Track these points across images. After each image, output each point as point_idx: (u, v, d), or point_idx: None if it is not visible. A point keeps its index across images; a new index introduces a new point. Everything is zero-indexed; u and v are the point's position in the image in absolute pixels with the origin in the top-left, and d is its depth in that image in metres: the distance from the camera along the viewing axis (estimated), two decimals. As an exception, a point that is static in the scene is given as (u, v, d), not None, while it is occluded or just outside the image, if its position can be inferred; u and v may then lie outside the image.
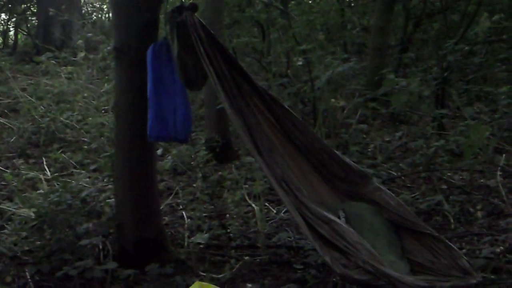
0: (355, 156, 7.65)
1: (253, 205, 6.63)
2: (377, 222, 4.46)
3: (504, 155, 7.33)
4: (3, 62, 12.65)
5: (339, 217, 4.29)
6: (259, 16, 10.57)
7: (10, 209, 6.59)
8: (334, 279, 4.86)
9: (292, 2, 12.11)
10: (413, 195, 6.76)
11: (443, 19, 10.71)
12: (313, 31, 10.35)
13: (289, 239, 5.94)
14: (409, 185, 7.27)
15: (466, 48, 9.04)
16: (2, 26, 18.87)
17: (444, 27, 10.74)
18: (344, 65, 7.93)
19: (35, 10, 17.75)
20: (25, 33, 17.57)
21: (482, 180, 7.14)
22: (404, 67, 11.31)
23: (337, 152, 4.87)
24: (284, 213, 6.59)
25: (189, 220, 6.48)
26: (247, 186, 7.18)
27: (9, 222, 6.36)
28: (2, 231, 6.18)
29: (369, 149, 8.65)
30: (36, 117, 10.30)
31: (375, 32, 11.07)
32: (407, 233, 4.45)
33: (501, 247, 5.31)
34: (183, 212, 6.72)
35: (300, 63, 9.78)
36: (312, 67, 8.99)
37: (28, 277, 5.23)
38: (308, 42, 9.55)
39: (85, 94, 11.42)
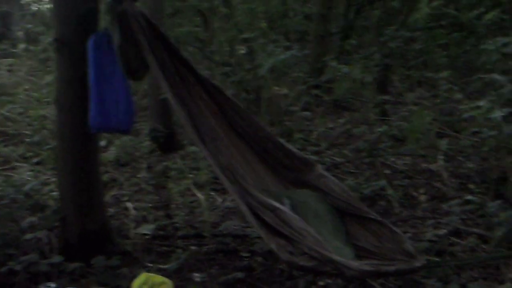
0: (299, 143, 7.70)
1: (199, 194, 6.62)
2: (322, 208, 4.49)
3: (445, 139, 7.42)
4: None
5: (284, 205, 4.30)
6: (201, 5, 10.54)
7: (-49, 205, 6.48)
8: (280, 266, 4.90)
9: (234, -10, 12.10)
10: (357, 180, 6.80)
11: (384, 6, 10.80)
12: (255, 20, 10.35)
13: (235, 227, 5.96)
14: (353, 171, 7.32)
15: (407, 34, 9.14)
16: None
17: (385, 14, 10.84)
18: (287, 53, 7.98)
19: (-27, 2, 17.43)
20: (-37, 25, 17.26)
21: (424, 165, 7.22)
22: (346, 54, 11.36)
23: (281, 139, 4.89)
24: (229, 201, 6.60)
25: (134, 211, 6.44)
26: (192, 175, 7.17)
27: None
28: None
29: (313, 136, 8.68)
30: (-24, 110, 10.16)
31: (316, 20, 11.11)
32: (351, 219, 4.48)
33: (444, 230, 5.40)
34: (128, 203, 6.68)
35: (242, 51, 9.78)
36: (255, 55, 9.00)
37: (-28, 273, 5.16)
38: (250, 30, 9.55)
39: (26, 86, 11.30)
